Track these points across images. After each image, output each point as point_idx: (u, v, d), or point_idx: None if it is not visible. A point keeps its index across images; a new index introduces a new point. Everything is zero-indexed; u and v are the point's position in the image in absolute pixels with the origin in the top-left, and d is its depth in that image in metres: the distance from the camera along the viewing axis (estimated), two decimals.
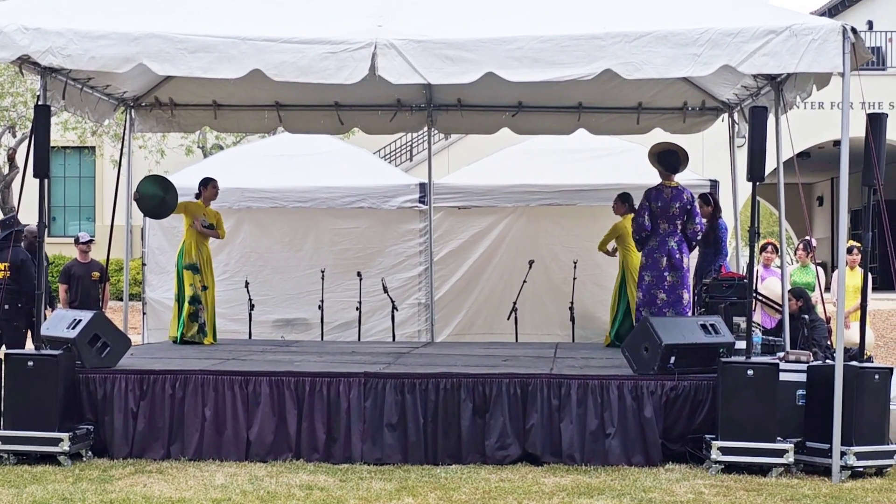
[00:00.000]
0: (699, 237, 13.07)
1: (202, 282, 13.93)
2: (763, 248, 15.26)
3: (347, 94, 14.18)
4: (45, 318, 10.97)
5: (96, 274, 15.75)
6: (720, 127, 15.16)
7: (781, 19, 9.91)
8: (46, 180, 10.35)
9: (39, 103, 10.92)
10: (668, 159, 13.10)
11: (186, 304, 13.78)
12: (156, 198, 13.84)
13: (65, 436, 9.74)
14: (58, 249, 27.82)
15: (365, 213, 16.21)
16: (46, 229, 10.66)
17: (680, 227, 12.91)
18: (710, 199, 13.93)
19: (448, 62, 9.90)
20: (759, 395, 9.66)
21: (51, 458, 9.78)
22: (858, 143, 10.02)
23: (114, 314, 17.44)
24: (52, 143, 10.47)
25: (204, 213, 14.05)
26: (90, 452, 10.11)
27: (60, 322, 10.76)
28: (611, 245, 14.12)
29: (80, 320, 10.60)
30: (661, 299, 12.84)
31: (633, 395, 10.11)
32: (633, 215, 13.25)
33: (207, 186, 14.13)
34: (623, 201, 14.02)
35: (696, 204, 13.13)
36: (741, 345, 10.44)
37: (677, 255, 12.87)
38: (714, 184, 15.97)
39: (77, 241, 15.91)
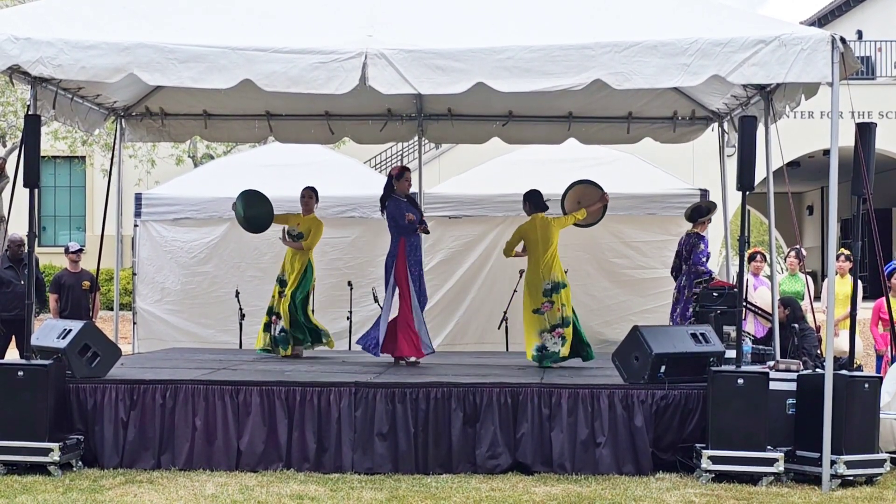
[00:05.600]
0: (695, 271, 13.96)
1: (284, 291, 13.90)
2: (752, 258, 15.29)
3: (338, 104, 14.18)
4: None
5: (86, 283, 15.72)
6: (710, 136, 15.19)
7: (770, 29, 9.94)
8: (36, 190, 10.33)
9: (29, 113, 10.91)
10: (690, 212, 14.35)
11: (265, 315, 14.00)
12: (238, 217, 14.15)
13: (55, 446, 9.73)
14: (48, 259, 27.77)
15: (355, 223, 16.21)
16: (36, 239, 10.65)
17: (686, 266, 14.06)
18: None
19: (438, 72, 9.91)
20: (749, 404, 9.68)
21: (41, 469, 9.76)
22: (848, 153, 10.05)
23: (104, 324, 17.47)
24: (42, 153, 10.46)
25: (298, 223, 14.00)
26: (80, 462, 10.10)
27: (50, 332, 10.75)
28: (519, 247, 13.67)
29: (70, 330, 10.59)
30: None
31: (624, 405, 10.13)
32: (540, 215, 13.06)
33: (303, 196, 14.18)
34: (525, 200, 13.28)
35: (695, 246, 13.98)
36: (731, 354, 10.46)
37: (681, 286, 14.05)
38: (704, 193, 16.01)
39: (67, 251, 15.90)
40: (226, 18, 10.79)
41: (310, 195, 14.14)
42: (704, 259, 13.93)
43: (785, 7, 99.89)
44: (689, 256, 13.96)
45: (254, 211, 14.10)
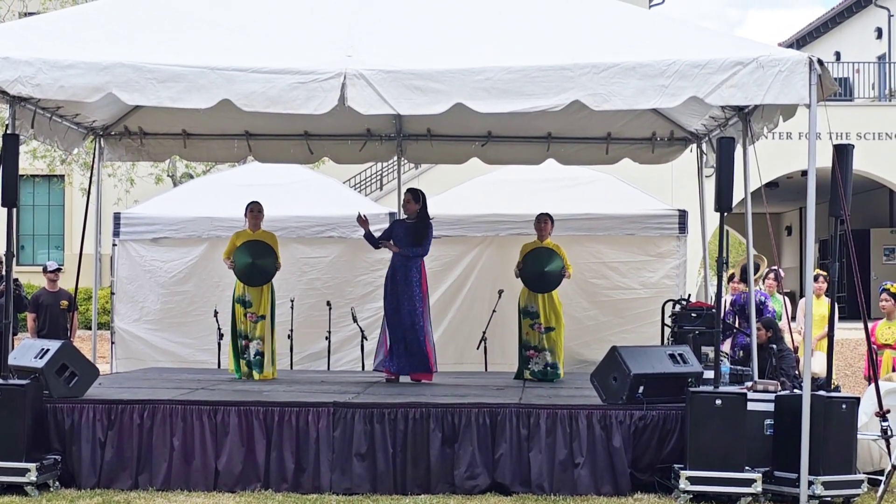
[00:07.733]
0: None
1: (256, 313, 13.41)
2: (731, 279, 15.34)
3: (317, 124, 14.20)
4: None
5: (64, 303, 15.69)
6: (688, 157, 15.23)
7: (749, 51, 9.98)
8: (15, 209, 10.31)
9: (8, 132, 10.90)
10: (742, 272, 14.54)
11: (239, 340, 13.45)
12: (245, 265, 13.39)
13: (32, 466, 9.68)
14: (26, 278, 27.65)
15: (335, 243, 16.19)
16: (15, 258, 10.62)
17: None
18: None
19: (417, 93, 9.93)
20: (727, 425, 9.69)
21: (18, 489, 9.71)
22: (826, 174, 10.09)
23: (82, 343, 17.40)
24: (21, 172, 10.44)
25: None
26: (57, 482, 10.04)
27: (28, 351, 10.71)
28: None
29: (47, 350, 10.55)
30: None
31: (602, 425, 10.13)
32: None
33: (245, 212, 13.66)
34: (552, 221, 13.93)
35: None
36: (710, 374, 10.47)
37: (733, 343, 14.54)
38: (683, 213, 16.04)
39: (45, 270, 15.86)
40: (205, 38, 10.79)
41: (260, 208, 13.66)
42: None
43: (763, 29, 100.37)
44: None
45: (262, 260, 13.46)
